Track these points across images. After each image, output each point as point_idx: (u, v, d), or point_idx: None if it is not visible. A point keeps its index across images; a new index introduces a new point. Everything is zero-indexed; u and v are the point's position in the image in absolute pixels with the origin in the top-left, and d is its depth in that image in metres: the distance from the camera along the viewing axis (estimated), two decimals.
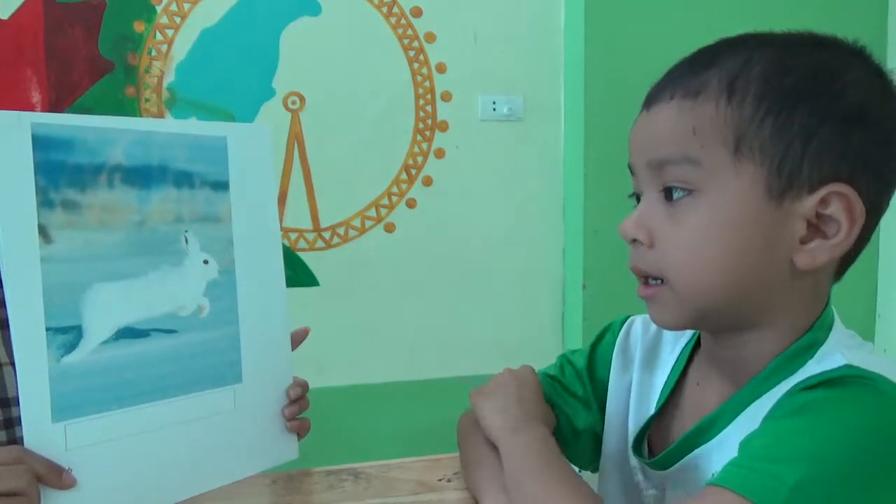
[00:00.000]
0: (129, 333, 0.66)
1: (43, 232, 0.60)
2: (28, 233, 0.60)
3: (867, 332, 2.19)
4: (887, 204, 0.56)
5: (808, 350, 0.55)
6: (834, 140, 0.51)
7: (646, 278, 0.58)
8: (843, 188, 0.51)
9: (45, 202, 0.61)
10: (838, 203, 0.51)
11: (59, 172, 0.61)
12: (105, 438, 0.64)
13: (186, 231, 0.70)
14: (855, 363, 0.51)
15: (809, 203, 0.51)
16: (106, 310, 0.64)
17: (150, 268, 0.67)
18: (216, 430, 0.71)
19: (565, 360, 0.77)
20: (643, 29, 1.99)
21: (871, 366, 0.50)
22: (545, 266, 2.17)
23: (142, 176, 0.67)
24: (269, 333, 0.77)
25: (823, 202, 0.51)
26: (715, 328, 0.60)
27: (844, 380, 0.50)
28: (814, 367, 0.53)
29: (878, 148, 0.53)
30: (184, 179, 0.70)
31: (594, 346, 0.75)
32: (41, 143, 0.60)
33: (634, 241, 0.57)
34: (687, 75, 0.55)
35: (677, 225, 0.54)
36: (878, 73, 0.55)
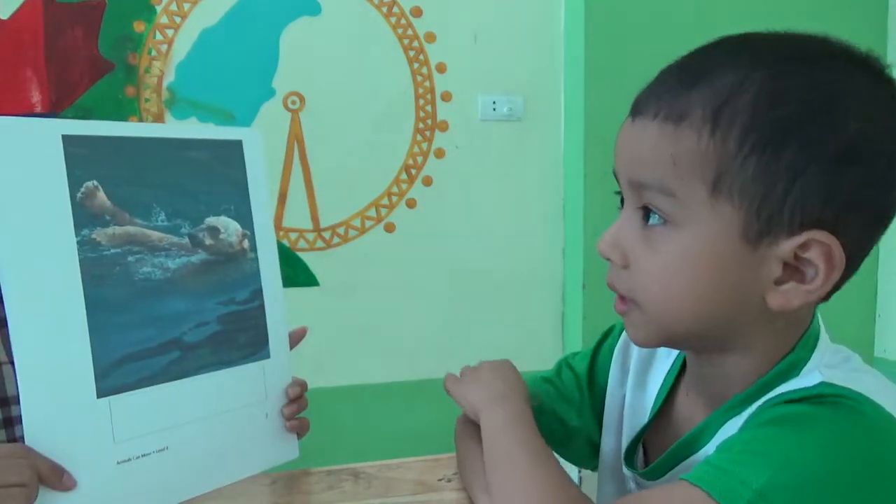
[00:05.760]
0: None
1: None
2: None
3: (867, 333, 2.19)
4: (877, 239, 0.53)
5: (791, 371, 0.54)
6: (822, 182, 0.48)
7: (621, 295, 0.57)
8: (824, 236, 0.49)
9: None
10: (818, 249, 0.49)
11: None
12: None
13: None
14: (831, 380, 0.51)
15: (787, 246, 0.49)
16: None
17: None
18: (216, 431, 0.71)
19: (565, 363, 0.77)
20: (643, 29, 1.99)
21: (849, 383, 0.50)
22: (545, 266, 2.17)
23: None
24: None
25: (803, 246, 0.49)
26: (689, 349, 0.61)
27: (823, 397, 0.50)
28: (794, 384, 0.53)
29: (871, 188, 0.49)
30: None
31: (595, 353, 0.75)
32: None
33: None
34: (674, 90, 0.52)
35: (650, 252, 0.53)
36: (886, 84, 0.51)
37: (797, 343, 0.55)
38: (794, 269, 0.50)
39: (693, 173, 0.50)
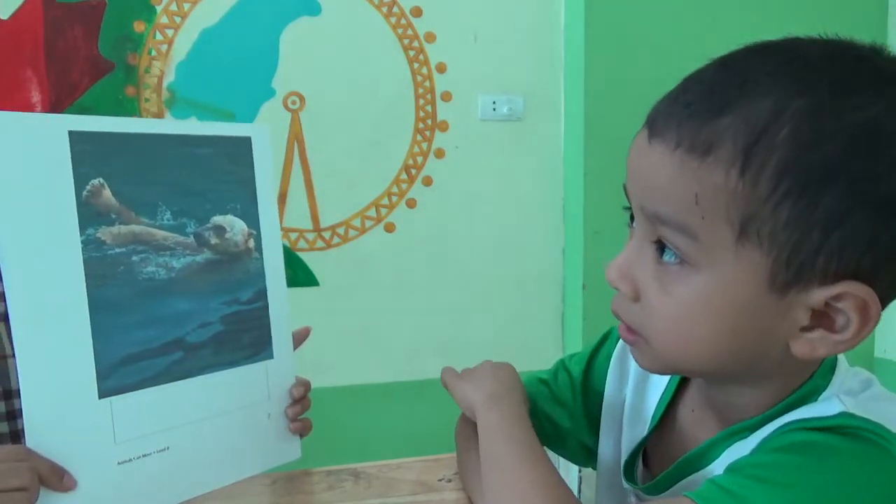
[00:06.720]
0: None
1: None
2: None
3: None
4: None
5: (808, 397, 0.52)
6: (863, 231, 0.43)
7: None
8: (860, 289, 0.44)
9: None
10: (852, 301, 0.45)
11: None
12: None
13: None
14: (852, 410, 0.49)
15: (818, 296, 0.45)
16: None
17: None
18: (218, 431, 0.71)
19: (562, 365, 0.76)
20: (644, 29, 1.99)
21: (873, 415, 0.48)
22: (545, 266, 2.17)
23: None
24: None
25: (836, 297, 0.45)
26: (700, 378, 0.59)
27: (844, 429, 0.47)
28: (811, 410, 0.51)
29: None
30: None
31: (592, 356, 0.74)
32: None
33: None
34: (700, 115, 0.45)
35: (664, 292, 0.49)
36: None
37: (815, 371, 0.53)
38: (822, 315, 0.46)
39: (717, 214, 0.45)
